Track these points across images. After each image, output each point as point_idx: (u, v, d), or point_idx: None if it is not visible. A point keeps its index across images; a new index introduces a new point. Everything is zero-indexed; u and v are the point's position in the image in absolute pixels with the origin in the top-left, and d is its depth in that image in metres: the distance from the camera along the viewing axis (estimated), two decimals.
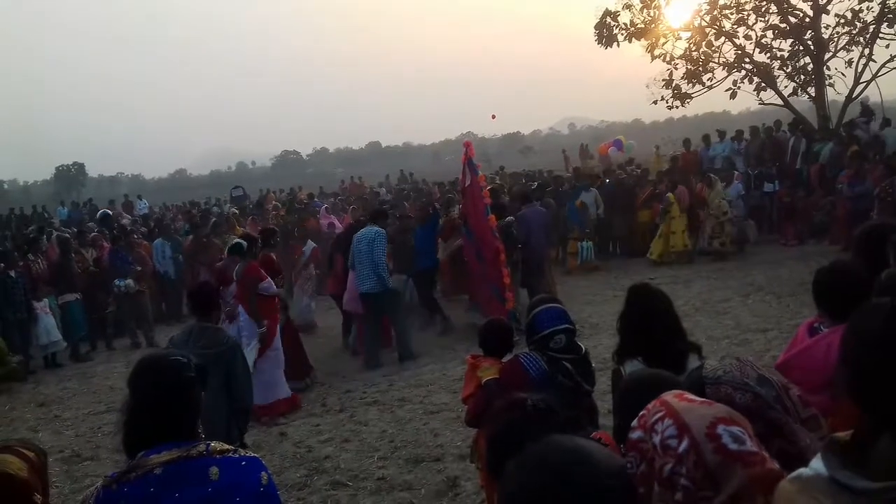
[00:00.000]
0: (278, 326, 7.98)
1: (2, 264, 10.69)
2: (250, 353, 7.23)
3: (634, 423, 1.59)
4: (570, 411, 2.36)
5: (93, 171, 77.04)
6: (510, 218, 10.18)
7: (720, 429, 1.50)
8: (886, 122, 15.13)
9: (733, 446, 1.48)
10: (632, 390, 2.13)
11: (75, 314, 11.36)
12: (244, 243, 8.10)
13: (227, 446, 2.19)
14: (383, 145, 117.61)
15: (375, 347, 9.28)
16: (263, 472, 2.19)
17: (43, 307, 10.89)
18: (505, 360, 3.84)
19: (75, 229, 16.68)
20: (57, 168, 71.58)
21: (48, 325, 10.86)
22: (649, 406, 1.61)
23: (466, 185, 10.04)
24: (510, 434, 1.88)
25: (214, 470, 2.08)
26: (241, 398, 4.42)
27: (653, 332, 3.32)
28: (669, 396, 1.61)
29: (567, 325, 3.57)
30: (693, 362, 3.31)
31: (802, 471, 1.36)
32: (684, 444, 1.49)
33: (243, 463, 2.16)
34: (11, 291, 10.46)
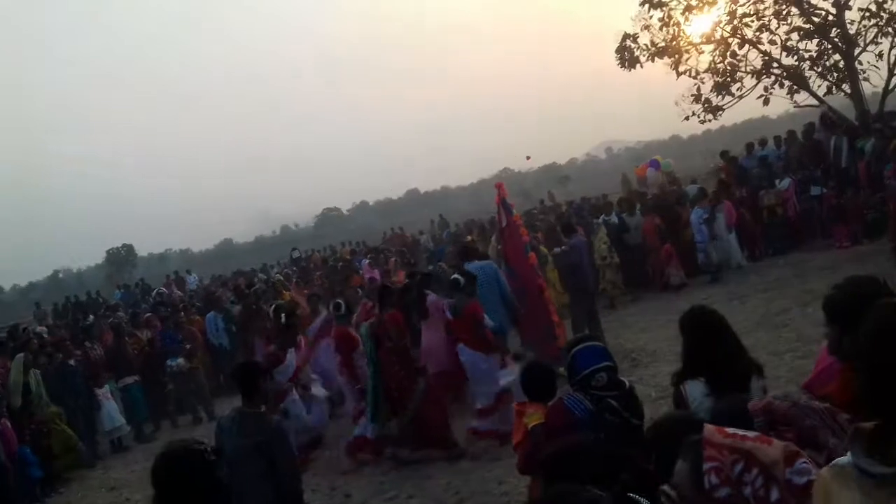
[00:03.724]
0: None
1: (60, 355, 11.01)
2: None
3: (714, 479, 1.59)
4: (618, 448, 2.35)
5: (142, 250, 79.01)
6: (561, 248, 10.13)
7: (789, 472, 1.58)
8: None
9: (801, 481, 1.57)
10: (666, 428, 2.10)
11: (136, 396, 11.60)
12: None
13: None
14: (421, 191, 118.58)
15: None
16: None
17: (104, 393, 11.14)
18: (550, 403, 3.78)
19: (129, 311, 17.08)
20: (107, 251, 73.65)
21: (111, 410, 11.10)
22: (712, 454, 1.60)
23: (503, 225, 10.04)
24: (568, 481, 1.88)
25: None
26: (286, 484, 4.28)
27: (713, 353, 3.31)
28: (722, 437, 1.62)
29: (607, 363, 3.51)
30: (755, 382, 3.27)
31: (839, 459, 1.45)
32: (774, 493, 1.57)
33: None
34: (72, 380, 10.75)
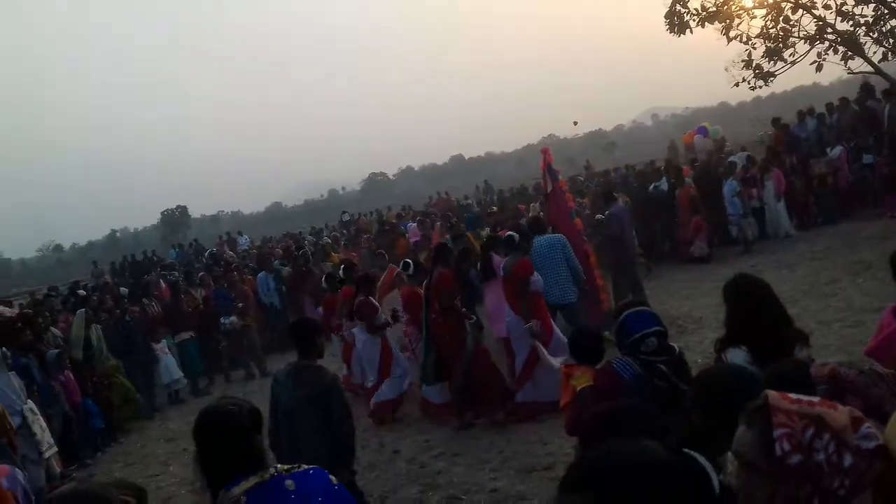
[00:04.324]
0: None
1: (119, 311, 11.44)
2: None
3: (786, 446, 1.53)
4: (667, 413, 2.37)
5: (195, 211, 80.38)
6: (599, 216, 10.07)
7: (856, 438, 1.53)
8: None
9: (869, 446, 1.53)
10: (717, 386, 2.12)
11: (191, 352, 12.01)
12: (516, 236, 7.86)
13: (292, 465, 2.46)
14: (466, 157, 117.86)
15: None
16: (330, 476, 2.48)
17: (162, 348, 11.55)
18: (598, 366, 3.87)
19: (184, 270, 17.55)
20: (162, 212, 75.03)
21: (168, 364, 11.52)
22: (782, 420, 1.57)
23: (548, 191, 10.06)
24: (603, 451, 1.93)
25: (290, 483, 2.36)
26: (341, 436, 4.42)
27: (757, 321, 3.31)
28: (789, 403, 1.59)
29: (658, 328, 3.55)
30: (799, 351, 3.28)
31: None
32: (847, 458, 1.51)
33: (311, 472, 2.45)
34: (131, 335, 11.17)
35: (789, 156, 14.86)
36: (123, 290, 14.50)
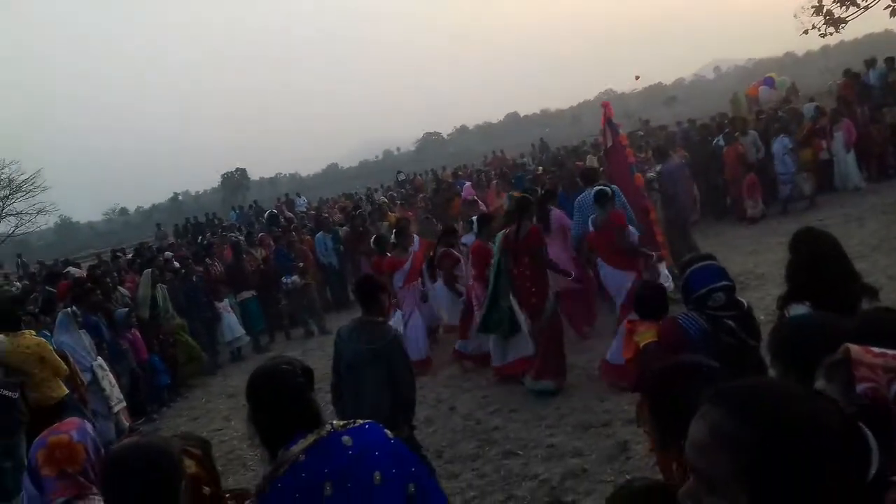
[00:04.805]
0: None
1: (183, 270, 11.71)
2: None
3: None
4: (735, 369, 2.29)
5: (254, 174, 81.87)
6: (651, 174, 9.81)
7: None
8: None
9: None
10: (801, 336, 2.01)
11: (253, 310, 12.24)
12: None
13: (347, 421, 2.46)
14: (521, 115, 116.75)
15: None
16: (385, 430, 2.47)
17: (224, 306, 11.79)
18: (662, 321, 3.77)
19: (245, 231, 17.84)
20: (222, 175, 76.52)
21: (231, 322, 11.77)
22: (865, 374, 1.47)
23: (608, 146, 9.82)
24: (677, 404, 1.86)
25: (347, 439, 2.36)
26: (402, 391, 4.48)
27: (820, 276, 3.19)
28: (872, 357, 1.52)
29: (725, 282, 3.43)
30: (866, 306, 3.15)
31: None
32: None
33: (367, 426, 2.44)
34: (194, 294, 11.44)
35: (861, 106, 14.22)
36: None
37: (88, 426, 2.58)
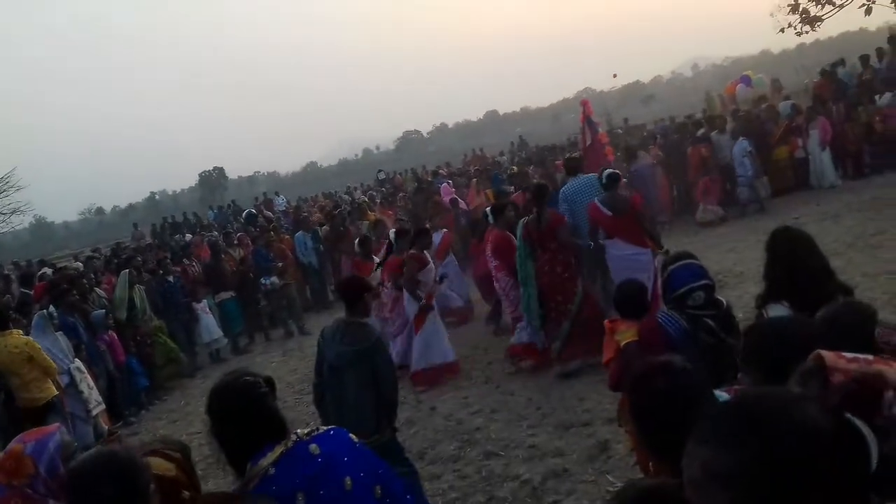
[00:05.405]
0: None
1: (161, 271, 11.61)
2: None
3: None
4: (715, 368, 2.29)
5: (232, 173, 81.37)
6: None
7: None
8: None
9: None
10: (771, 343, 2.02)
11: (231, 311, 12.14)
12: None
13: (311, 429, 2.46)
14: (501, 113, 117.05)
15: None
16: (350, 435, 2.50)
17: (202, 307, 11.69)
18: (643, 321, 3.77)
19: (222, 231, 17.69)
20: (200, 174, 76.01)
21: (209, 323, 11.67)
22: (840, 381, 1.46)
23: (587, 144, 9.87)
24: (658, 404, 1.86)
25: (314, 447, 2.36)
26: (385, 393, 4.48)
27: (797, 275, 3.21)
28: (845, 363, 1.51)
29: (705, 281, 3.46)
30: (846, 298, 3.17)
31: None
32: None
33: (331, 433, 2.45)
34: (172, 295, 11.33)
35: (836, 104, 14.37)
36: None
37: (56, 437, 2.52)
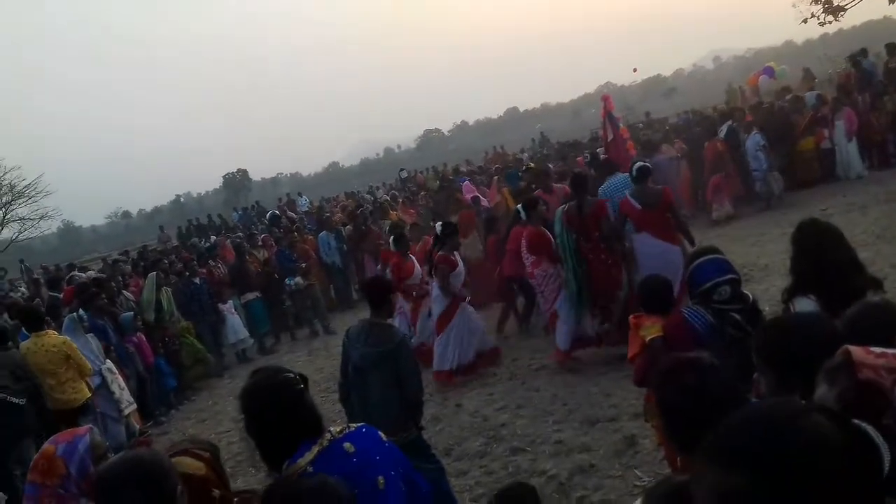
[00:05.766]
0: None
1: (187, 273, 11.73)
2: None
3: None
4: (741, 362, 2.29)
5: (255, 174, 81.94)
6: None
7: None
8: None
9: None
10: (792, 340, 2.00)
11: (257, 311, 12.24)
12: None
13: (342, 426, 2.48)
14: (521, 110, 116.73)
15: None
16: (379, 432, 2.52)
17: (228, 308, 11.80)
18: (668, 316, 3.76)
19: (248, 232, 17.83)
20: (224, 176, 76.64)
21: (235, 324, 11.78)
22: (868, 375, 1.47)
23: (609, 139, 9.83)
24: (686, 400, 1.86)
25: (348, 445, 2.37)
26: (409, 392, 4.51)
27: (825, 268, 3.18)
28: (874, 358, 1.49)
29: (731, 276, 3.44)
30: (871, 298, 3.14)
31: None
32: None
33: (364, 430, 2.47)
34: (198, 297, 11.45)
35: (861, 93, 14.17)
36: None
37: (86, 438, 2.58)
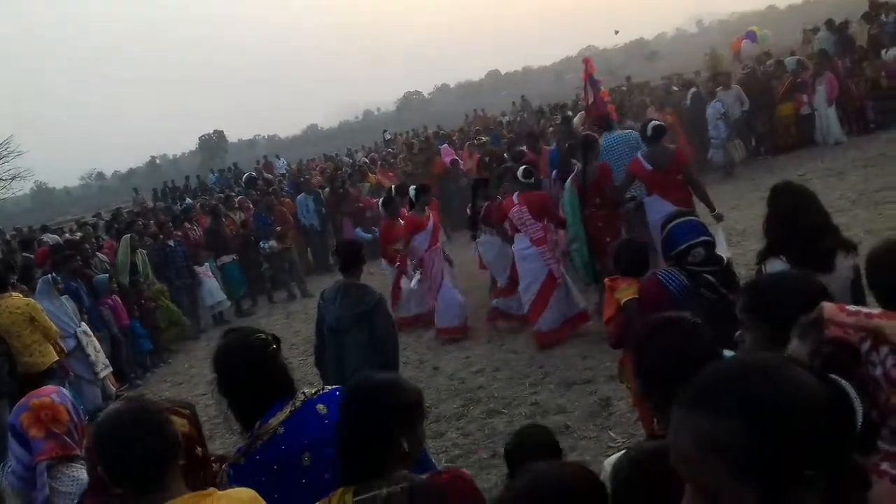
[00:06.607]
0: None
1: (161, 235, 11.61)
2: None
3: None
4: (715, 324, 2.28)
5: (232, 136, 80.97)
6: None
7: None
8: None
9: None
10: (776, 294, 1.99)
11: (234, 274, 12.18)
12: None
13: (316, 388, 2.45)
14: (503, 72, 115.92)
15: None
16: None
17: (205, 271, 11.72)
18: (643, 278, 3.76)
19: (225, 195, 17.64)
20: (200, 137, 75.67)
21: (211, 286, 11.71)
22: (836, 333, 1.49)
23: (590, 102, 9.73)
24: (668, 360, 1.84)
25: (321, 406, 2.36)
26: (386, 354, 4.46)
27: (797, 230, 3.19)
28: (845, 315, 1.52)
29: (704, 238, 3.45)
30: (842, 261, 3.16)
31: None
32: None
33: (336, 392, 2.43)
34: (173, 259, 11.34)
35: (842, 59, 14.17)
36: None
37: (65, 391, 2.56)
